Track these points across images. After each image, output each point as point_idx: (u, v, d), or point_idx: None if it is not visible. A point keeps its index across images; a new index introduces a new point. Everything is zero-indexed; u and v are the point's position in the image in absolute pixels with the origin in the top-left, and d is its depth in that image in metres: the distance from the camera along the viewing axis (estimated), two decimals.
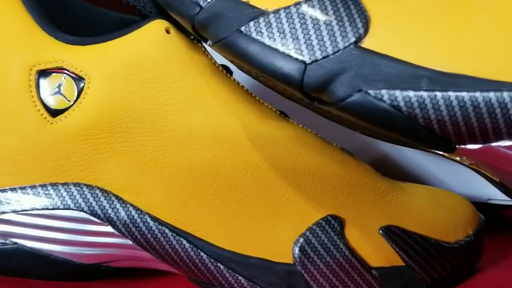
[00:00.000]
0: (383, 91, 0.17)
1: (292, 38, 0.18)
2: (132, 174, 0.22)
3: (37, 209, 0.21)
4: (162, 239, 0.22)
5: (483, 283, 0.25)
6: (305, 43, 0.17)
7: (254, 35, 0.18)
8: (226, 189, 0.22)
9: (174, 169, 0.22)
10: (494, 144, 0.17)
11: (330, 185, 0.23)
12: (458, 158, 0.22)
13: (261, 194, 0.22)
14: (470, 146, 0.18)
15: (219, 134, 0.22)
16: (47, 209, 0.21)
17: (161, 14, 0.24)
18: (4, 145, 0.22)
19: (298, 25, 0.18)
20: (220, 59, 0.25)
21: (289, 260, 0.22)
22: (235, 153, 0.22)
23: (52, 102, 0.22)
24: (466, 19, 0.17)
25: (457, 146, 0.18)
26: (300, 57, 0.17)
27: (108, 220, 0.22)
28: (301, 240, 0.21)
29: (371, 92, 0.17)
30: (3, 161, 0.22)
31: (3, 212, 0.22)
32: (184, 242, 0.22)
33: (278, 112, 0.24)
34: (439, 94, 0.17)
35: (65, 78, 0.22)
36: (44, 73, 0.22)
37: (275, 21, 0.18)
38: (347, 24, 0.17)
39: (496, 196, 0.33)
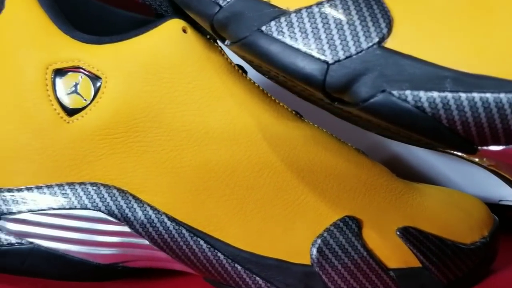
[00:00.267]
0: (407, 92, 0.17)
1: (314, 38, 0.17)
2: (149, 174, 0.22)
3: (54, 209, 0.21)
4: (179, 239, 0.22)
5: (498, 284, 0.25)
6: (327, 43, 0.17)
7: (275, 34, 0.18)
8: (243, 189, 0.22)
9: (191, 169, 0.22)
10: None
11: (347, 186, 0.23)
12: (477, 160, 0.22)
13: (278, 195, 0.22)
14: (493, 148, 0.18)
15: (236, 134, 0.22)
16: (64, 208, 0.21)
17: (176, 13, 0.23)
18: (21, 144, 0.22)
19: (320, 25, 0.18)
20: (235, 59, 0.25)
21: (306, 261, 0.21)
22: (252, 153, 0.22)
23: (69, 101, 0.22)
24: (491, 20, 0.17)
25: (479, 147, 0.18)
26: (322, 57, 0.17)
27: (125, 220, 0.21)
28: (319, 241, 0.21)
29: (395, 92, 0.17)
30: (19, 160, 0.22)
31: (19, 212, 0.21)
32: (202, 242, 0.22)
33: (293, 112, 0.24)
34: (463, 95, 0.17)
35: (81, 77, 0.22)
36: (60, 72, 0.22)
37: (297, 20, 0.18)
38: (370, 24, 0.17)
39: (508, 197, 0.33)
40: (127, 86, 0.21)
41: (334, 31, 0.17)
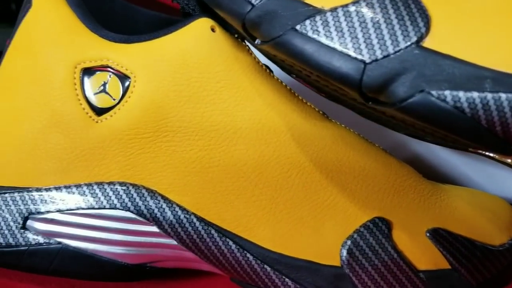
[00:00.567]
0: (446, 92, 0.16)
1: (351, 37, 0.17)
2: (178, 174, 0.21)
3: (83, 208, 0.21)
4: (208, 239, 0.21)
5: None
6: (364, 42, 0.17)
7: (310, 33, 0.18)
8: (272, 190, 0.22)
9: (220, 169, 0.21)
10: None
11: (376, 187, 0.22)
12: (510, 161, 0.21)
13: (307, 196, 0.22)
14: None
15: (264, 134, 0.22)
16: (93, 208, 0.21)
17: (204, 12, 0.23)
18: (49, 143, 0.22)
19: (357, 24, 0.17)
20: (262, 59, 0.24)
21: (336, 262, 0.21)
22: (280, 153, 0.22)
23: (97, 100, 0.22)
24: None
25: None
26: (359, 57, 0.17)
27: (154, 220, 0.21)
28: (349, 242, 0.21)
29: (433, 92, 0.16)
30: (47, 159, 0.22)
31: (48, 211, 0.21)
32: (231, 243, 0.21)
33: (321, 112, 0.24)
34: (503, 96, 0.16)
35: (110, 77, 0.22)
36: (88, 71, 0.22)
37: (333, 19, 0.18)
38: (408, 23, 0.17)
39: None
40: (156, 86, 0.21)
41: (371, 30, 0.17)
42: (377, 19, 0.17)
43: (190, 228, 0.21)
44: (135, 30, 0.26)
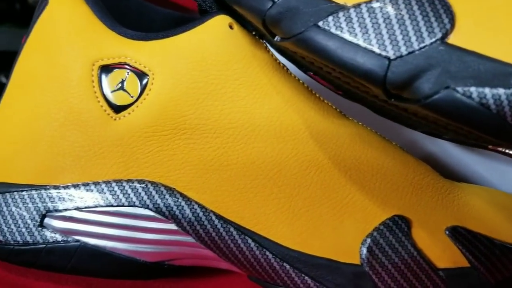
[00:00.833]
0: (472, 88, 0.16)
1: (375, 33, 0.17)
2: (196, 172, 0.21)
3: (102, 206, 0.21)
4: (227, 237, 0.21)
5: None
6: (389, 38, 0.17)
7: (333, 30, 0.18)
8: (291, 187, 0.21)
9: (238, 166, 0.21)
10: None
11: (394, 185, 0.22)
12: None
13: (326, 193, 0.22)
14: None
15: (282, 132, 0.22)
16: (112, 206, 0.21)
17: (221, 9, 0.23)
18: (67, 141, 0.21)
19: (381, 20, 0.17)
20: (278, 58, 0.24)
21: (356, 261, 0.21)
22: (299, 151, 0.22)
23: (115, 98, 0.21)
24: None
25: None
26: (384, 53, 0.17)
27: (173, 218, 0.21)
28: (369, 240, 0.21)
29: (459, 89, 0.16)
30: (65, 157, 0.21)
31: (66, 209, 0.21)
32: (250, 241, 0.21)
33: (338, 110, 0.23)
34: None
35: (128, 74, 0.21)
36: (106, 68, 0.22)
37: (356, 16, 0.17)
38: (433, 19, 0.17)
39: None
40: (174, 83, 0.21)
41: (396, 26, 0.17)
42: (402, 15, 0.17)
43: (208, 226, 0.21)
44: (150, 28, 0.26)
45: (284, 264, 0.21)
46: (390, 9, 0.17)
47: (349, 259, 0.21)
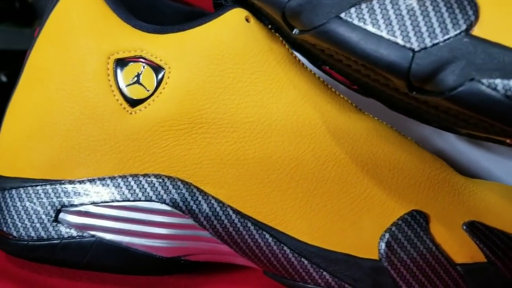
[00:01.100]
0: (497, 81, 0.16)
1: (398, 25, 0.17)
2: (213, 166, 0.21)
3: (118, 201, 0.21)
4: (244, 232, 0.21)
5: None
6: (413, 30, 0.17)
7: (356, 22, 0.17)
8: (308, 182, 0.21)
9: (255, 161, 0.21)
10: None
11: (412, 180, 0.22)
12: None
13: (343, 188, 0.21)
14: None
15: (299, 126, 0.22)
16: (128, 200, 0.21)
17: (236, 3, 0.23)
18: (82, 135, 0.21)
19: (404, 12, 0.17)
20: None
21: (374, 256, 0.21)
22: (316, 145, 0.22)
23: (131, 92, 0.21)
24: None
25: None
26: (408, 45, 0.17)
27: (190, 213, 0.21)
28: (387, 235, 0.21)
29: (484, 81, 0.16)
30: (81, 151, 0.21)
31: (82, 204, 0.21)
32: (267, 236, 0.21)
33: (354, 104, 0.23)
34: None
35: (144, 67, 0.21)
36: (121, 62, 0.21)
37: (379, 7, 0.17)
38: (457, 11, 0.17)
39: None
40: (191, 77, 0.21)
41: (420, 18, 0.17)
42: (426, 6, 0.17)
43: (226, 221, 0.21)
44: (161, 21, 0.26)
45: (302, 259, 0.21)
46: (413, 1, 0.17)
47: (367, 254, 0.21)
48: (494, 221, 0.23)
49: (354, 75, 0.21)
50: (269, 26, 0.22)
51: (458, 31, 0.17)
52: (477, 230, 0.22)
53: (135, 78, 0.21)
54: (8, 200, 0.22)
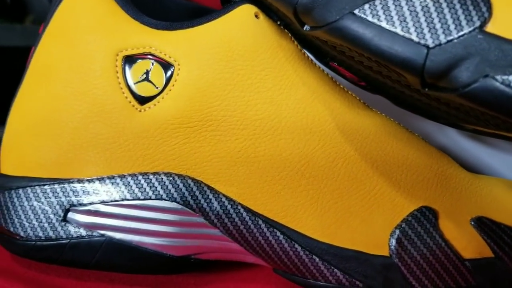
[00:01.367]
0: (511, 77, 0.16)
1: (413, 22, 0.17)
2: (223, 164, 0.21)
3: (128, 200, 0.21)
4: (255, 230, 0.21)
5: None
6: (427, 26, 0.17)
7: (370, 18, 0.17)
8: (319, 179, 0.21)
9: (266, 158, 0.21)
10: None
11: (420, 176, 0.22)
12: None
13: (354, 185, 0.21)
14: None
15: (309, 123, 0.22)
16: (139, 199, 0.21)
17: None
18: (90, 133, 0.21)
19: (419, 8, 0.17)
20: None
21: (385, 252, 0.21)
22: (325, 143, 0.22)
23: (140, 89, 0.21)
24: None
25: None
26: (422, 41, 0.17)
27: (201, 211, 0.21)
28: (397, 232, 0.21)
29: (498, 77, 0.16)
30: (89, 149, 0.21)
31: (91, 203, 0.21)
32: (278, 233, 0.21)
33: (362, 101, 0.23)
34: None
35: (153, 64, 0.21)
36: (130, 59, 0.21)
37: (393, 4, 0.17)
38: (471, 7, 0.17)
39: None
40: (200, 74, 0.21)
41: (434, 15, 0.17)
42: (440, 3, 0.17)
43: (237, 219, 0.21)
44: (166, 17, 0.26)
45: (313, 256, 0.21)
46: None
47: (378, 251, 0.21)
48: (500, 216, 0.23)
49: (365, 71, 0.21)
50: (278, 23, 0.22)
51: (472, 28, 0.17)
52: (485, 226, 0.22)
53: (144, 75, 0.21)
54: (15, 200, 0.21)
